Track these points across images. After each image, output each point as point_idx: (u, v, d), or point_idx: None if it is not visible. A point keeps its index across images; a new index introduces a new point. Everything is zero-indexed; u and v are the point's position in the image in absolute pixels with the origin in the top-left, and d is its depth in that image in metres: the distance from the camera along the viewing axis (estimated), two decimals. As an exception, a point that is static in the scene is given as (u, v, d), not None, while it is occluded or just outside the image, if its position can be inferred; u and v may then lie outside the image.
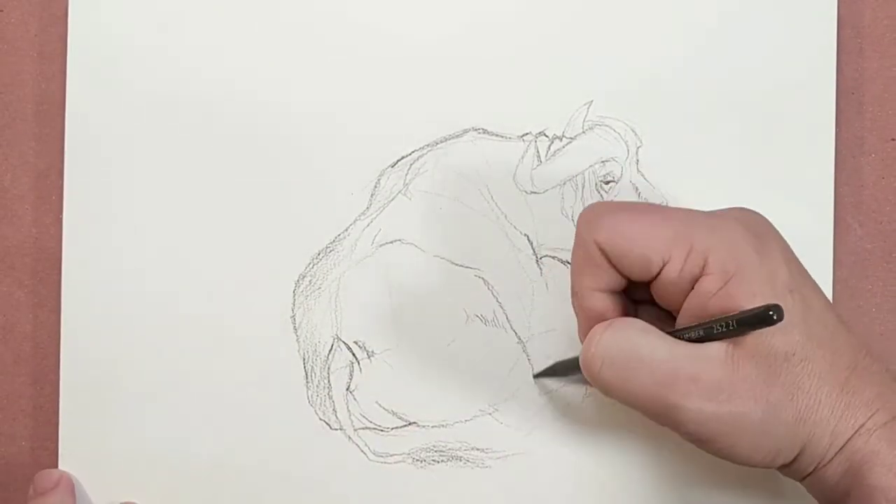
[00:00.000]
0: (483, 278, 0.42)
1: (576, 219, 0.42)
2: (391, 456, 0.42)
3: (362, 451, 0.42)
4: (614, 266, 0.35)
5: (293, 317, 0.42)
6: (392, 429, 0.42)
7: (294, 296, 0.42)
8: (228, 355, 0.42)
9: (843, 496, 0.33)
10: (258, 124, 0.42)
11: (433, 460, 0.42)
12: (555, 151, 0.42)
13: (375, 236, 0.42)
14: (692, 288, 0.34)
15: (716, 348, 0.33)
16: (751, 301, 0.32)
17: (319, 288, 0.42)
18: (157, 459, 0.42)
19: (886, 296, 0.43)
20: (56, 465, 0.42)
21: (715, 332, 0.32)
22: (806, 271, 0.34)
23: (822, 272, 0.41)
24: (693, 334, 0.33)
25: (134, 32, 0.42)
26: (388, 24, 0.42)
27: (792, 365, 0.32)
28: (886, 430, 0.32)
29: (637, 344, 0.33)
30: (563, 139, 0.42)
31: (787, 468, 0.34)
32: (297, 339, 0.42)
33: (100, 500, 0.42)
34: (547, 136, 0.42)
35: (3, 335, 0.43)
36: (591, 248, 0.35)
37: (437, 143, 0.42)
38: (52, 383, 0.43)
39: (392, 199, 0.42)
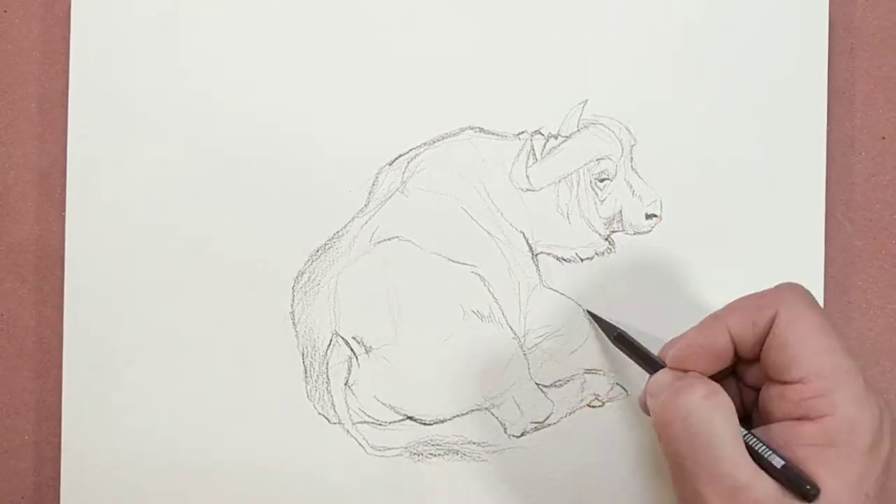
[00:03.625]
0: (479, 275, 0.43)
1: (571, 216, 0.42)
2: (389, 449, 0.42)
3: (360, 444, 0.42)
4: (763, 341, 0.34)
5: (292, 313, 0.43)
6: (390, 423, 0.42)
7: (293, 292, 0.43)
8: (229, 350, 0.42)
9: None
10: (258, 123, 0.43)
11: (430, 454, 0.42)
12: (550, 150, 0.43)
13: (373, 233, 0.43)
14: (796, 420, 0.33)
15: (772, 485, 0.32)
16: (829, 476, 0.32)
17: (318, 284, 0.43)
18: (159, 453, 0.42)
19: (876, 292, 0.43)
20: (59, 459, 0.42)
21: (768, 458, 0.32)
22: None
23: (812, 269, 0.42)
24: (755, 445, 0.33)
25: (135, 33, 0.43)
26: (386, 24, 0.43)
27: None
28: None
29: (720, 433, 0.33)
30: (559, 137, 0.43)
31: None
32: (296, 335, 0.42)
33: (102, 492, 0.42)
34: (542, 135, 0.43)
35: (6, 331, 0.44)
36: (766, 310, 0.34)
37: (434, 142, 0.43)
38: (54, 378, 0.43)
39: (390, 197, 0.43)
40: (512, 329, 0.42)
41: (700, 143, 0.42)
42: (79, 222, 0.43)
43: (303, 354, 0.42)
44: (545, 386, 0.42)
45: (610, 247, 0.42)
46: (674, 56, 0.43)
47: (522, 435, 0.42)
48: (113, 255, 0.43)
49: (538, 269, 0.43)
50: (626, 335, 0.40)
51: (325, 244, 0.43)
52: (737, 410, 0.34)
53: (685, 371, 0.36)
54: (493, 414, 0.42)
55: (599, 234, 0.42)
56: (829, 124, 0.42)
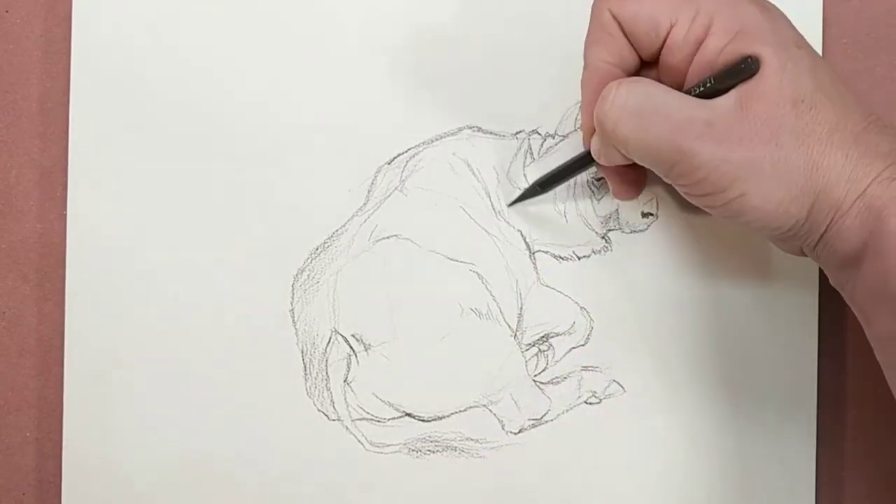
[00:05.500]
0: (477, 273, 0.43)
1: (568, 215, 0.43)
2: (387, 446, 0.43)
3: (359, 441, 0.43)
4: (626, 35, 0.36)
5: (292, 310, 0.43)
6: (388, 419, 0.43)
7: (293, 290, 0.43)
8: (229, 348, 0.43)
9: (858, 250, 0.33)
10: (258, 122, 0.43)
11: (428, 450, 0.43)
12: (547, 149, 0.43)
13: (372, 232, 0.43)
14: (694, 56, 0.35)
15: (726, 98, 0.33)
16: (752, 52, 0.33)
17: (318, 282, 0.43)
18: (159, 449, 0.43)
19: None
20: (60, 456, 0.43)
21: (707, 87, 0.34)
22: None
23: (809, 265, 0.42)
24: (697, 92, 0.34)
25: (136, 32, 0.43)
26: (385, 24, 0.43)
27: (801, 111, 0.33)
28: None
29: (652, 94, 0.34)
30: (556, 137, 0.43)
31: (802, 227, 0.34)
32: (295, 332, 0.43)
33: (103, 489, 0.43)
34: (540, 134, 0.43)
35: (8, 328, 0.44)
36: (604, 17, 0.36)
37: (432, 141, 0.43)
38: (56, 376, 0.43)
39: (388, 196, 0.43)
40: (510, 326, 0.43)
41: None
42: (80, 221, 0.43)
43: (302, 352, 0.43)
44: (542, 383, 0.43)
45: (607, 245, 0.43)
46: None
47: (520, 432, 0.43)
48: (114, 254, 0.43)
49: (535, 268, 0.43)
50: (545, 175, 0.41)
51: (325, 242, 0.43)
52: None
53: None
54: (490, 411, 0.43)
55: (596, 233, 0.43)
56: (823, 124, 0.43)
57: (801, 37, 0.34)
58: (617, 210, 0.43)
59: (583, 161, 0.39)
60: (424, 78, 0.43)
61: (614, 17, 0.36)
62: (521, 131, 0.43)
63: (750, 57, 0.33)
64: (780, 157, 0.32)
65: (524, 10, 0.43)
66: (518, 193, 0.42)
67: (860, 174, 0.32)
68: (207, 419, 0.43)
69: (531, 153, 0.43)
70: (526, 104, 0.43)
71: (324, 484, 0.43)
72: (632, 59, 0.36)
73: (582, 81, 0.38)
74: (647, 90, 0.34)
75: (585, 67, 0.37)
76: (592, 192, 0.43)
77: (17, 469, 0.44)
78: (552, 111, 0.43)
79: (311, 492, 0.43)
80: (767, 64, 0.33)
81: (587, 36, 0.37)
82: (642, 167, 0.36)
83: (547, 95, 0.43)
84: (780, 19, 0.34)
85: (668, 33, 0.35)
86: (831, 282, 0.36)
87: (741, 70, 0.33)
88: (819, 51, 0.42)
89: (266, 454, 0.43)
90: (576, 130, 0.43)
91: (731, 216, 0.34)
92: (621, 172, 0.39)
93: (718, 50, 0.34)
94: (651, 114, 0.34)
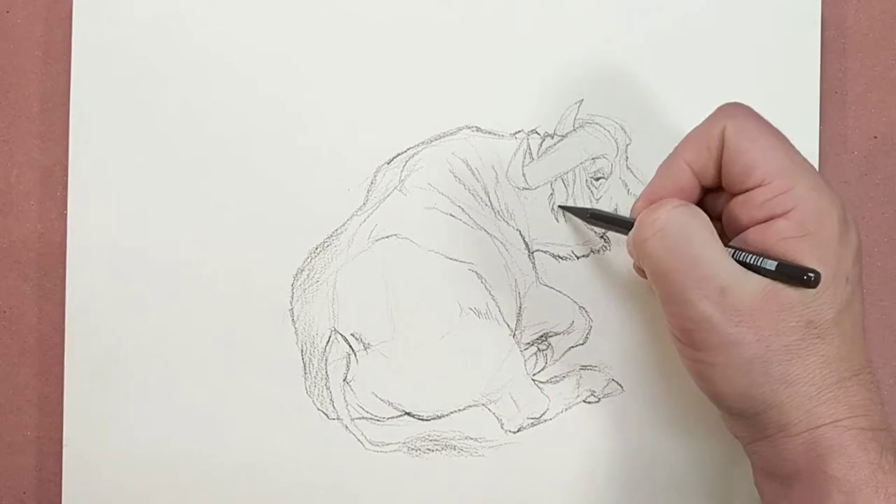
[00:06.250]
0: (476, 272, 0.43)
1: (567, 215, 0.43)
2: (387, 445, 0.43)
3: (359, 440, 0.43)
4: (719, 160, 0.35)
5: (291, 309, 0.43)
6: (388, 418, 0.43)
7: (292, 289, 0.43)
8: (228, 347, 0.43)
9: (790, 474, 0.34)
10: (257, 123, 0.43)
11: (428, 449, 0.43)
12: (546, 149, 0.43)
13: (371, 231, 0.43)
14: (764, 222, 0.34)
15: (758, 279, 0.33)
16: (812, 263, 0.33)
17: (317, 282, 0.43)
18: (159, 448, 0.43)
19: (869, 290, 0.43)
20: (60, 455, 0.43)
21: (759, 264, 0.33)
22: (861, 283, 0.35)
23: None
24: (742, 258, 0.34)
25: (136, 33, 0.43)
26: (384, 24, 0.43)
27: (808, 335, 0.33)
28: (860, 434, 0.33)
29: (697, 235, 0.34)
30: (555, 137, 0.43)
31: (747, 421, 0.35)
32: (295, 332, 0.43)
33: (103, 488, 0.43)
34: (539, 134, 0.43)
35: (8, 327, 0.44)
36: (716, 129, 0.35)
37: (431, 141, 0.43)
38: (56, 375, 0.44)
39: (388, 195, 0.43)
40: (509, 326, 0.43)
41: (694, 142, 0.43)
42: (80, 220, 0.43)
43: (302, 351, 0.43)
44: (541, 382, 0.43)
45: (605, 244, 0.43)
46: (668, 56, 0.43)
47: (519, 431, 0.43)
48: (114, 253, 0.43)
49: (534, 267, 0.43)
50: (600, 211, 0.41)
51: (324, 242, 0.43)
52: None
53: None
54: (490, 410, 0.43)
55: (595, 232, 0.43)
56: (821, 124, 0.43)
57: (858, 276, 0.34)
58: (616, 210, 0.43)
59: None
60: (424, 78, 0.43)
61: (722, 135, 0.35)
62: (519, 131, 0.43)
63: (815, 273, 0.33)
64: (764, 359, 0.33)
65: (524, 10, 0.43)
66: (570, 204, 0.43)
67: (821, 413, 0.33)
68: (207, 418, 0.43)
69: (530, 153, 0.43)
70: (525, 104, 0.43)
71: (323, 483, 0.43)
72: (709, 176, 0.36)
73: (661, 164, 0.37)
74: (695, 228, 0.34)
75: (672, 154, 0.37)
76: (591, 192, 0.43)
77: (17, 468, 0.44)
78: (551, 111, 0.43)
79: (310, 491, 0.43)
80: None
81: (695, 129, 0.36)
82: None
83: (546, 95, 0.43)
84: (850, 253, 0.34)
85: (752, 187, 0.35)
86: (754, 477, 0.36)
87: (803, 280, 0.33)
88: (818, 51, 0.43)
89: (266, 453, 0.43)
90: (574, 130, 0.43)
91: (693, 371, 0.35)
92: None
93: (782, 237, 0.34)
94: (683, 250, 0.34)
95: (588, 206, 0.43)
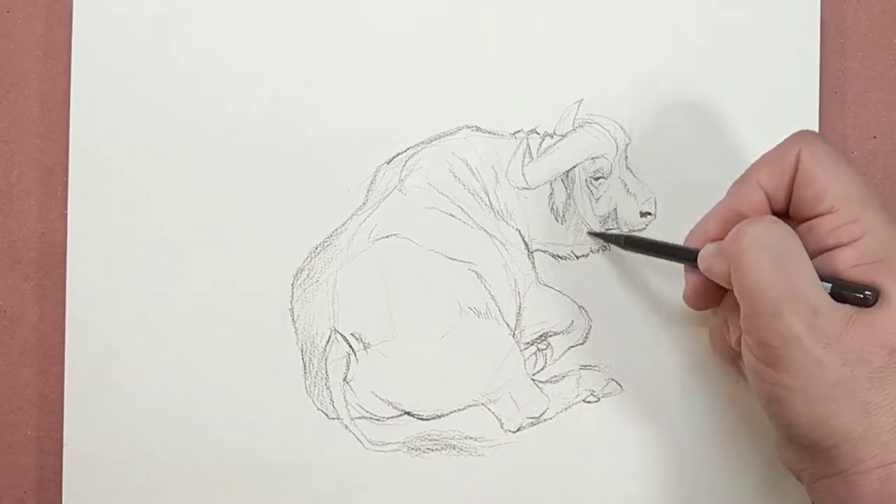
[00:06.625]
0: (476, 272, 0.43)
1: (566, 214, 0.43)
2: (387, 444, 0.43)
3: (359, 439, 0.43)
4: (791, 184, 0.36)
5: (291, 309, 0.43)
6: (387, 418, 0.43)
7: (292, 289, 0.43)
8: (229, 346, 0.43)
9: None
10: (258, 122, 0.43)
11: (428, 449, 0.43)
12: (546, 148, 0.43)
13: (371, 231, 0.43)
14: (830, 250, 0.34)
15: (845, 307, 0.33)
16: (891, 288, 0.33)
17: (317, 281, 0.43)
18: (159, 447, 0.43)
19: (869, 289, 0.44)
20: (61, 455, 0.43)
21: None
22: None
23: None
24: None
25: (137, 32, 0.43)
26: (384, 23, 0.43)
27: (893, 362, 0.32)
28: None
29: (796, 252, 0.34)
30: (554, 136, 0.43)
31: (818, 455, 0.34)
32: (295, 331, 0.43)
33: (104, 487, 0.43)
34: (538, 134, 0.43)
35: (9, 327, 0.44)
36: (791, 152, 0.35)
37: (431, 140, 0.43)
38: (56, 374, 0.44)
39: (387, 195, 0.43)
40: (508, 325, 0.43)
41: (694, 142, 0.43)
42: (81, 220, 0.43)
43: (302, 350, 0.43)
44: (541, 382, 0.43)
45: (605, 244, 0.43)
46: (668, 56, 0.43)
47: (519, 430, 0.43)
48: (114, 253, 0.43)
49: (534, 266, 0.43)
50: (636, 236, 0.41)
51: (324, 241, 0.43)
52: None
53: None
54: (489, 409, 0.43)
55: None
56: (821, 123, 0.43)
57: None
58: (615, 210, 0.43)
59: (682, 254, 0.39)
60: (424, 78, 0.43)
61: (797, 159, 0.35)
62: (519, 130, 0.43)
63: (873, 289, 0.33)
64: (848, 386, 0.32)
65: (524, 10, 0.43)
66: (598, 230, 0.43)
67: None
68: (207, 418, 0.43)
69: (530, 152, 0.43)
70: (524, 104, 0.43)
71: (323, 482, 0.43)
72: (780, 199, 0.36)
73: (733, 184, 0.37)
74: (791, 245, 0.34)
75: (744, 175, 0.37)
76: (591, 191, 0.43)
77: (18, 467, 0.44)
78: (551, 110, 0.43)
79: (309, 490, 0.43)
80: (894, 302, 0.33)
81: (768, 152, 0.37)
82: (724, 289, 0.37)
83: (545, 95, 0.43)
84: None
85: (821, 213, 0.35)
86: None
87: (859, 298, 0.33)
88: (817, 51, 0.43)
89: (265, 452, 0.43)
90: (574, 130, 0.43)
91: (769, 396, 0.34)
92: (707, 285, 0.38)
93: (852, 264, 0.34)
94: (783, 262, 0.33)
95: (590, 210, 0.42)
